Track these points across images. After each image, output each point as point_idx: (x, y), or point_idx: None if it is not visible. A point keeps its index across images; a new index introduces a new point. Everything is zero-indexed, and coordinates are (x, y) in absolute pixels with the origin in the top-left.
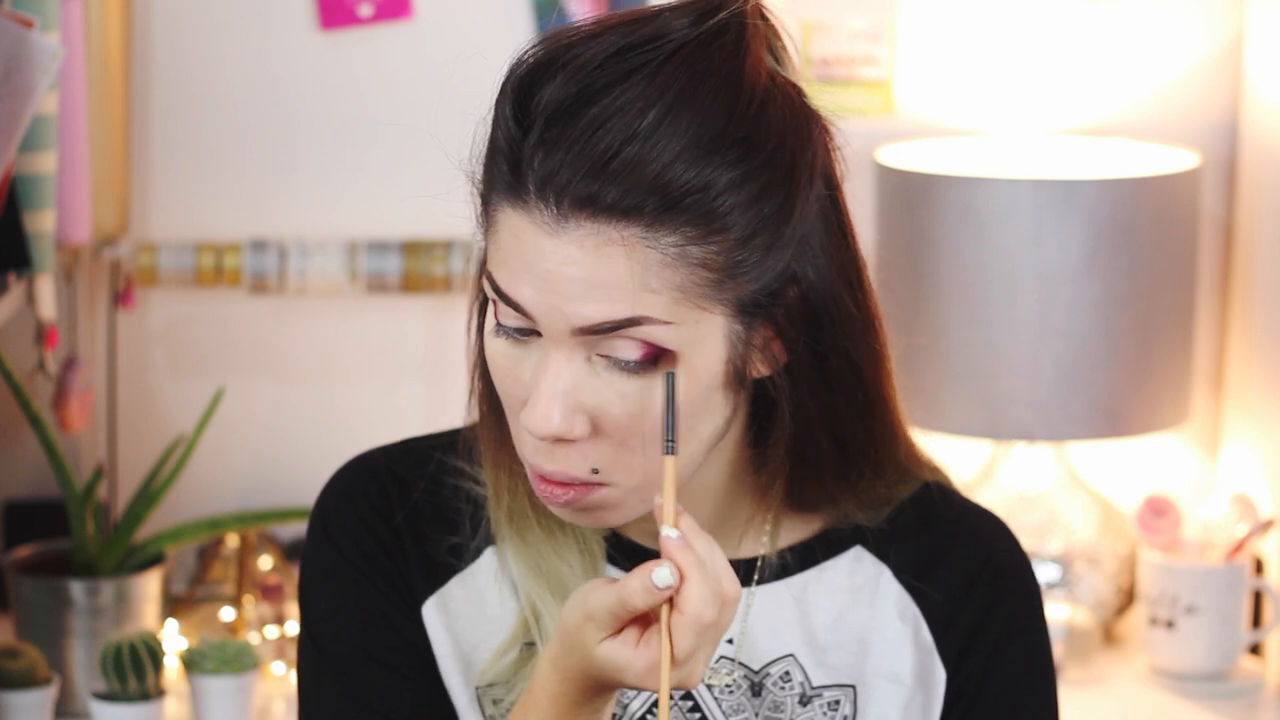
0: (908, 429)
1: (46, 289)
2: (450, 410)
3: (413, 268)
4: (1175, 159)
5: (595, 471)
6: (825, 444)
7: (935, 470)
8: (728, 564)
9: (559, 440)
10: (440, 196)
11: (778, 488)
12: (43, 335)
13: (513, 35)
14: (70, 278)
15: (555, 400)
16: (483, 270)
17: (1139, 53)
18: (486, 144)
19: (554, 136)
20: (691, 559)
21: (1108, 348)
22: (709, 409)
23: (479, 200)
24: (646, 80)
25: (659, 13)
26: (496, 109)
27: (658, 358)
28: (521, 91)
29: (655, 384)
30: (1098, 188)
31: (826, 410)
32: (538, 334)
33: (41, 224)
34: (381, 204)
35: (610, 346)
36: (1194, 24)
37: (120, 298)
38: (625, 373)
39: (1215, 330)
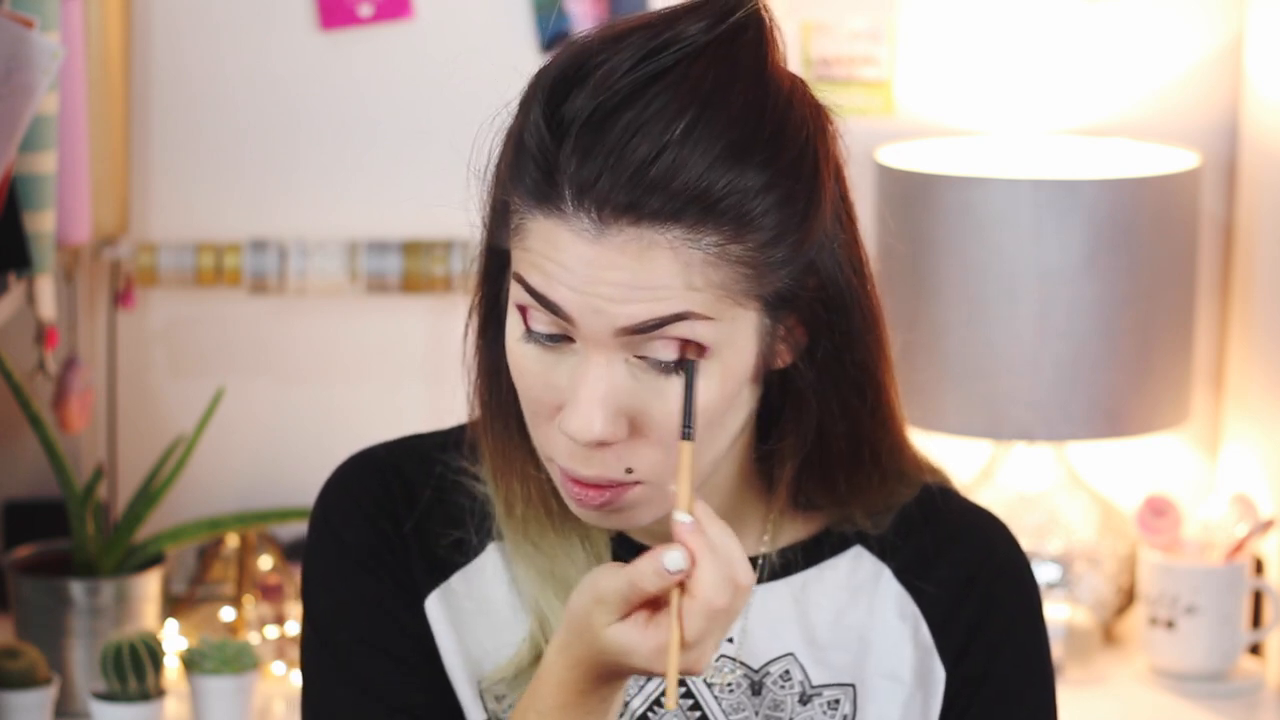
0: (907, 432)
1: (46, 289)
2: (450, 410)
3: (413, 268)
4: (1175, 159)
5: (629, 471)
6: (831, 439)
7: (935, 471)
8: (742, 551)
9: (598, 444)
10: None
11: (782, 486)
12: (43, 335)
13: (513, 35)
14: (70, 278)
15: (597, 405)
16: (484, 275)
17: (1139, 53)
18: (509, 150)
19: (589, 144)
20: (704, 543)
21: (1108, 348)
22: (738, 403)
23: (493, 205)
24: (677, 83)
25: (676, 14)
26: (524, 117)
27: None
28: (552, 99)
29: None
30: (1098, 188)
31: (835, 405)
32: (569, 340)
33: (41, 224)
34: (381, 204)
35: (649, 348)
36: (1194, 24)
37: (120, 298)
38: (662, 373)
39: (1215, 330)
